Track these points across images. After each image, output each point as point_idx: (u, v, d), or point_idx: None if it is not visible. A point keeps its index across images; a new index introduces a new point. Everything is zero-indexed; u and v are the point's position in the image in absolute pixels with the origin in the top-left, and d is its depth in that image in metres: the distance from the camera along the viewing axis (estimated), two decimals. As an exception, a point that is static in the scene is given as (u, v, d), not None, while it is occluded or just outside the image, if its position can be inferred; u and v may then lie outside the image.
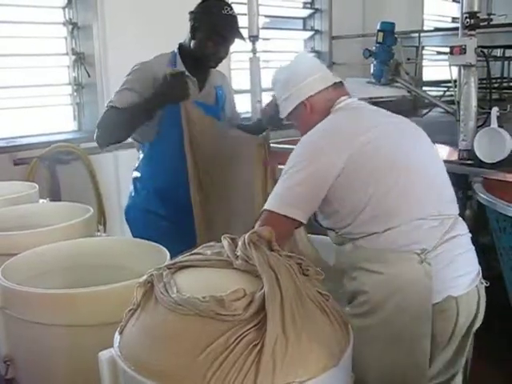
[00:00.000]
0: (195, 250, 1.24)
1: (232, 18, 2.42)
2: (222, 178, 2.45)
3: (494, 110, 3.20)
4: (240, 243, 1.16)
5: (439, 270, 1.68)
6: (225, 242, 1.21)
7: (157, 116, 2.36)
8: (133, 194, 2.61)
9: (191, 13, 2.46)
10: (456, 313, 1.70)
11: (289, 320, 0.99)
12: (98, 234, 2.21)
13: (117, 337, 1.13)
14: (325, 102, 1.90)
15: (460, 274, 1.72)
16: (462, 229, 1.83)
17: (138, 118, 2.32)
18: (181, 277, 1.16)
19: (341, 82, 1.98)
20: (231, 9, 2.43)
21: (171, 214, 2.49)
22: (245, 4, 4.29)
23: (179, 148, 2.34)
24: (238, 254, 1.14)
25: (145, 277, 1.16)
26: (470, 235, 1.87)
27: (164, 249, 1.74)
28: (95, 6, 3.95)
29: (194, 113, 2.37)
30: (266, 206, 1.73)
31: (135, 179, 2.61)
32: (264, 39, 4.90)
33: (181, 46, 2.53)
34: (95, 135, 2.42)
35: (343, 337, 1.08)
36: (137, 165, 2.59)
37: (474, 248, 1.85)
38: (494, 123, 3.19)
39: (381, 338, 1.66)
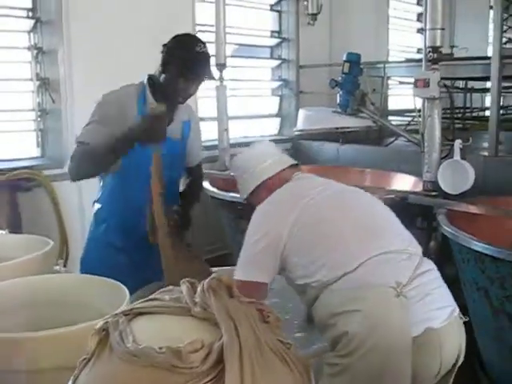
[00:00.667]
0: (153, 296, 1.20)
1: (204, 56, 2.39)
2: None
3: (457, 143, 3.25)
4: (199, 289, 1.13)
5: (416, 303, 1.68)
6: (184, 287, 1.17)
7: None
8: (92, 228, 2.56)
9: (164, 46, 2.41)
10: (439, 346, 1.69)
11: (247, 372, 0.96)
12: (57, 268, 2.14)
13: (70, 387, 1.08)
14: (281, 182, 2.01)
15: (437, 307, 1.72)
16: (431, 265, 1.85)
17: (114, 155, 2.27)
18: (137, 324, 1.12)
19: (297, 164, 2.12)
20: (204, 46, 2.39)
21: (130, 248, 2.44)
22: (212, 32, 4.32)
23: (142, 182, 2.30)
24: (197, 300, 1.11)
25: (100, 324, 1.12)
26: (438, 271, 1.88)
27: (123, 287, 1.69)
28: (61, 30, 3.89)
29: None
30: (234, 276, 1.82)
31: (96, 211, 2.56)
32: (232, 67, 4.91)
33: (150, 78, 2.47)
34: (68, 167, 2.37)
35: (304, 386, 1.05)
36: (98, 196, 2.54)
37: (445, 285, 1.85)
38: (457, 155, 3.24)
39: (362, 374, 1.63)
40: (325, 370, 1.69)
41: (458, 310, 1.79)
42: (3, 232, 2.47)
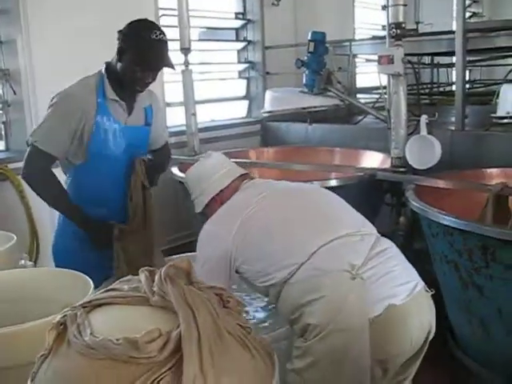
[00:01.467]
0: (112, 286, 1.18)
1: (161, 45, 2.29)
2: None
3: (423, 118, 3.26)
4: (156, 278, 1.12)
5: (374, 282, 1.69)
6: (142, 276, 1.16)
7: (83, 143, 2.29)
8: (59, 220, 2.52)
9: (119, 32, 2.34)
10: (403, 322, 1.69)
11: (207, 359, 0.95)
12: (23, 262, 2.10)
13: (29, 384, 1.06)
14: (232, 193, 2.04)
15: (398, 284, 1.71)
16: (388, 243, 1.87)
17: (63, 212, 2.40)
18: (96, 316, 1.10)
19: (247, 173, 2.15)
20: (161, 33, 2.29)
21: None
22: (176, 16, 4.25)
23: (107, 176, 2.29)
24: (155, 289, 1.10)
25: (58, 318, 1.10)
26: (397, 249, 1.89)
27: (87, 278, 1.67)
28: (18, 19, 3.78)
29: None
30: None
31: None
32: (198, 51, 4.86)
33: (108, 66, 2.40)
34: (22, 173, 2.35)
35: (266, 370, 1.04)
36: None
37: (407, 261, 1.87)
38: (424, 131, 3.25)
39: (323, 356, 1.65)
40: (292, 352, 1.72)
41: (422, 284, 1.79)
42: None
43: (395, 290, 1.70)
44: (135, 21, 2.35)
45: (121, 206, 2.43)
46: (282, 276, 1.75)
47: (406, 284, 1.73)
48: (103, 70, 2.41)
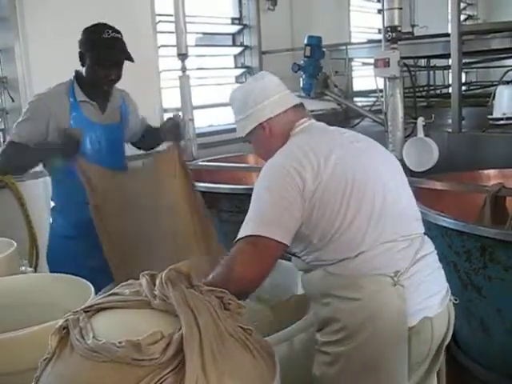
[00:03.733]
0: (113, 290, 1.19)
1: (114, 41, 2.46)
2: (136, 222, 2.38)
3: (420, 120, 3.28)
4: (157, 282, 1.13)
5: (412, 292, 1.64)
6: (143, 281, 1.17)
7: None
8: (52, 225, 2.61)
9: (79, 41, 2.54)
10: (431, 333, 1.68)
11: (209, 360, 0.96)
12: (23, 268, 2.11)
13: (32, 388, 1.07)
14: (284, 124, 1.84)
15: (431, 294, 1.69)
16: (430, 247, 1.82)
17: (33, 160, 2.53)
18: (98, 320, 1.11)
19: (301, 103, 1.92)
20: (113, 31, 2.47)
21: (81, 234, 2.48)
22: (172, 22, 4.27)
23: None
24: (156, 293, 1.11)
25: (60, 322, 1.11)
26: (436, 252, 1.86)
27: (88, 283, 1.68)
28: (16, 26, 3.80)
29: (92, 170, 2.39)
30: (240, 235, 1.61)
31: (52, 208, 2.66)
32: (195, 56, 4.88)
33: (77, 72, 2.60)
34: None
35: (267, 371, 1.05)
36: (51, 193, 2.61)
37: (441, 265, 1.84)
38: (421, 133, 3.27)
39: (356, 364, 1.61)
40: (317, 357, 1.67)
41: (449, 292, 1.78)
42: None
43: (429, 301, 1.68)
44: (89, 26, 2.54)
45: None
46: (325, 258, 1.66)
47: (438, 294, 1.71)
48: (73, 79, 2.61)
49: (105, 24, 2.53)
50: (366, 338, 1.58)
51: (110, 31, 2.46)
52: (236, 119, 1.93)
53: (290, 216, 1.63)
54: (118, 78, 2.53)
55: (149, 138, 2.89)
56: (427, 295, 1.68)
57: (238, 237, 1.60)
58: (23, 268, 2.13)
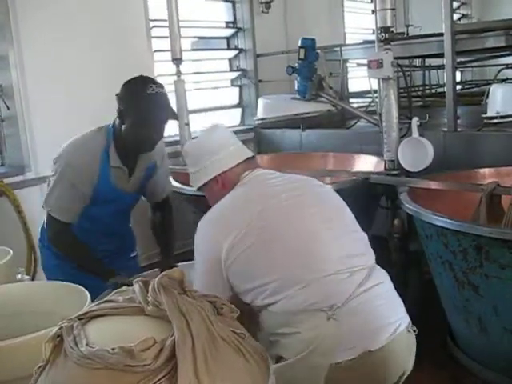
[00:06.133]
0: (107, 297, 1.20)
1: (159, 97, 2.17)
2: None
3: (414, 120, 3.29)
4: (150, 288, 1.14)
5: (353, 325, 1.63)
6: (136, 287, 1.18)
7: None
8: (42, 234, 2.53)
9: (117, 95, 2.23)
10: (382, 365, 1.65)
11: (201, 364, 0.96)
12: (19, 277, 2.12)
13: (27, 396, 1.08)
14: (235, 176, 1.91)
15: (379, 326, 1.67)
16: (381, 277, 1.79)
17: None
18: (91, 327, 1.12)
19: (253, 156, 1.99)
20: (157, 86, 2.17)
21: None
22: (166, 27, 4.28)
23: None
24: (149, 299, 1.11)
25: (54, 330, 1.11)
26: (391, 283, 1.83)
27: (84, 290, 1.69)
28: (10, 34, 3.80)
29: None
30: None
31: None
32: (190, 60, 4.89)
33: (114, 129, 2.29)
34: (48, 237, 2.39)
35: (260, 374, 1.06)
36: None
37: (397, 295, 1.81)
38: (415, 133, 3.28)
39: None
40: None
41: (406, 322, 1.74)
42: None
43: (374, 334, 1.65)
44: (129, 80, 2.24)
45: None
46: (265, 302, 1.68)
47: (387, 326, 1.68)
48: (111, 135, 2.29)
49: (148, 77, 2.24)
50: (296, 368, 1.60)
51: (154, 86, 2.16)
52: (191, 171, 1.99)
53: (219, 278, 1.74)
54: (161, 138, 2.30)
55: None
56: (373, 326, 1.65)
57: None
58: (19, 276, 2.13)
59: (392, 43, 3.29)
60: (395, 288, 1.84)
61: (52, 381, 1.05)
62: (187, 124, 4.24)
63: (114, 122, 2.30)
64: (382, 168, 3.53)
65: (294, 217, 1.80)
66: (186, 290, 1.14)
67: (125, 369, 0.96)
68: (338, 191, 3.27)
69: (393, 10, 3.28)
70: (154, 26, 4.65)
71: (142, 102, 2.14)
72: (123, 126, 2.23)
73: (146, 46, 4.50)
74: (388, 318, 1.70)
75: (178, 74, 4.24)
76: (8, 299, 1.86)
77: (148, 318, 1.11)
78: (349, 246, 1.81)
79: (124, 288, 1.23)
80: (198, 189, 2.00)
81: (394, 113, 3.34)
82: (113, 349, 0.99)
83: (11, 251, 2.14)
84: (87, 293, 1.67)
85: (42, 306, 1.80)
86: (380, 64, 3.21)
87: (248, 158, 1.96)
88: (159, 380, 0.95)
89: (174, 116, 2.33)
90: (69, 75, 3.95)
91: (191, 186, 2.03)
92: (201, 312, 1.05)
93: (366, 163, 4.01)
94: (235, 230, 1.72)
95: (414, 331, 1.76)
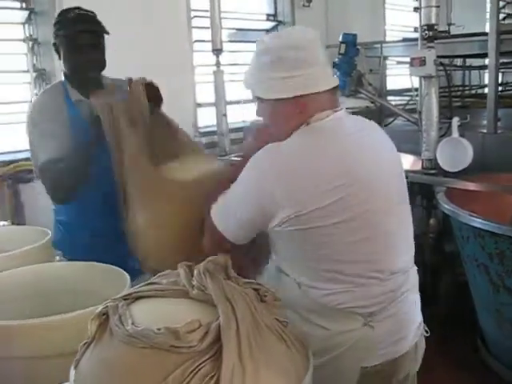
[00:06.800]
0: (151, 280, 1.22)
1: (79, 15, 2.21)
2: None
3: (455, 120, 3.25)
4: (196, 272, 1.15)
5: (385, 331, 1.55)
6: (181, 271, 1.19)
7: None
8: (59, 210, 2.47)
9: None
10: (394, 370, 1.60)
11: (245, 349, 0.97)
12: (58, 258, 2.15)
13: (72, 371, 1.10)
14: (318, 105, 1.51)
15: (402, 336, 1.60)
16: (412, 280, 1.66)
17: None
18: (136, 308, 1.14)
19: (337, 86, 1.60)
20: (80, 10, 2.23)
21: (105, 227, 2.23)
22: (208, 18, 4.30)
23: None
24: (194, 283, 1.13)
25: (100, 308, 1.14)
26: (417, 285, 1.71)
27: (123, 272, 1.71)
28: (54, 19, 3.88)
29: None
30: (212, 216, 1.59)
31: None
32: (229, 52, 4.90)
33: (65, 73, 2.30)
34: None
35: (302, 363, 1.07)
36: None
37: (418, 296, 1.70)
38: (455, 133, 3.24)
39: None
40: None
41: (422, 325, 1.69)
42: (4, 223, 2.48)
43: (397, 345, 1.59)
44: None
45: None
46: (305, 281, 1.52)
47: (409, 333, 1.62)
48: (65, 77, 2.31)
49: (71, 7, 2.27)
50: (323, 364, 1.46)
51: (76, 10, 2.22)
52: (269, 76, 1.53)
53: (253, 226, 1.55)
54: (99, 62, 2.25)
55: None
56: (398, 337, 1.59)
57: (210, 214, 1.60)
58: (58, 258, 2.17)
59: (435, 41, 3.26)
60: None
61: (97, 357, 1.07)
62: (225, 115, 4.26)
63: (63, 71, 2.31)
64: (418, 167, 3.50)
65: (382, 207, 1.53)
66: (231, 276, 1.15)
67: (170, 349, 0.98)
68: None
69: (437, 7, 3.24)
70: (195, 16, 4.68)
71: (64, 24, 2.19)
72: (63, 63, 2.25)
73: (186, 36, 4.53)
74: (413, 323, 1.65)
75: (218, 64, 4.26)
76: (47, 278, 1.90)
77: (192, 301, 1.13)
78: (411, 235, 1.66)
79: (168, 271, 1.24)
80: (260, 100, 1.61)
81: (435, 112, 3.30)
82: (158, 329, 1.01)
83: (50, 232, 2.18)
84: (126, 274, 1.69)
85: (80, 285, 1.84)
86: (423, 62, 3.18)
87: (335, 88, 1.58)
88: (203, 362, 0.97)
89: (104, 30, 2.27)
90: (109, 62, 4.00)
91: (247, 86, 1.66)
92: (245, 298, 1.06)
93: (403, 161, 3.97)
94: (312, 200, 1.42)
95: (426, 332, 1.71)
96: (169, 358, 0.98)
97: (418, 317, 1.68)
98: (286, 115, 1.53)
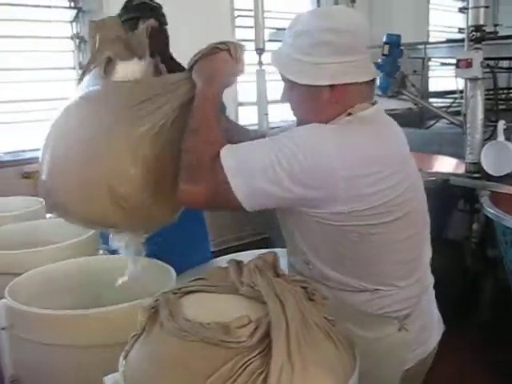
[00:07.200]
0: (200, 275, 1.24)
1: (143, 5, 2.29)
2: None
3: (501, 124, 3.19)
4: (245, 269, 1.17)
5: (417, 332, 1.50)
6: (230, 267, 1.21)
7: None
8: None
9: None
10: (424, 369, 1.59)
11: (294, 347, 0.98)
12: (101, 252, 2.19)
13: (121, 361, 1.13)
14: (355, 97, 1.41)
15: (429, 333, 1.57)
16: (432, 278, 1.61)
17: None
18: (186, 302, 1.16)
19: (374, 79, 1.49)
20: None
21: None
22: (251, 17, 4.32)
23: None
24: (244, 280, 1.14)
25: (150, 301, 1.16)
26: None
27: (170, 268, 1.74)
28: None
29: None
30: (225, 169, 1.30)
31: None
32: (272, 51, 4.91)
33: None
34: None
35: (349, 362, 1.07)
36: None
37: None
38: (501, 136, 3.18)
39: None
40: None
41: (441, 320, 1.65)
42: (51, 216, 2.54)
43: (428, 342, 1.56)
44: None
45: None
46: (344, 281, 1.42)
47: (435, 330, 1.59)
48: None
49: None
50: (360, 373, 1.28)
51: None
52: (293, 55, 1.40)
53: (281, 202, 1.34)
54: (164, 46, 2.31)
55: None
56: (426, 334, 1.55)
57: (224, 165, 1.31)
58: (101, 252, 2.21)
59: (482, 43, 3.21)
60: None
61: (147, 349, 1.10)
62: (266, 114, 4.28)
63: None
64: (460, 170, 3.45)
65: (420, 206, 1.49)
66: (280, 274, 1.16)
67: (220, 344, 0.99)
68: (416, 191, 3.29)
69: (486, 7, 3.19)
70: (239, 16, 4.70)
71: (127, 9, 2.25)
72: None
73: (229, 35, 4.56)
74: (436, 316, 1.62)
75: (260, 63, 4.28)
76: (93, 271, 1.95)
77: (241, 297, 1.14)
78: (428, 231, 1.57)
79: (216, 267, 1.26)
80: (289, 82, 1.46)
81: (480, 114, 3.25)
82: (208, 323, 1.02)
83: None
84: (173, 270, 1.72)
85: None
86: (469, 64, 3.13)
87: (374, 80, 1.47)
88: (252, 358, 0.98)
89: (161, 18, 2.33)
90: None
91: (274, 64, 1.51)
92: (295, 295, 1.06)
93: (445, 164, 3.93)
94: (372, 197, 1.32)
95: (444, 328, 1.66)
96: (218, 352, 0.99)
97: (436, 310, 1.63)
98: (320, 104, 1.40)
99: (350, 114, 1.40)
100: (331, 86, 1.39)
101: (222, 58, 1.47)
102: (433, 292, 1.61)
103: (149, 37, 1.72)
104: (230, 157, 1.31)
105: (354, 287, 1.42)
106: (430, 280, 1.58)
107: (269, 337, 0.99)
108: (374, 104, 1.46)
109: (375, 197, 1.32)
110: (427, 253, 1.56)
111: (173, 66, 1.96)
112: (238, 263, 1.21)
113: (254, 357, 0.98)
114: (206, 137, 1.35)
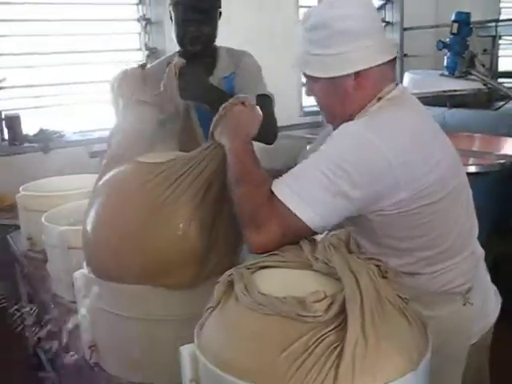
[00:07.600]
0: (273, 251, 1.26)
1: None
2: None
3: None
4: (320, 246, 1.18)
5: (480, 305, 1.52)
6: (304, 244, 1.23)
7: None
8: None
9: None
10: (487, 343, 1.60)
11: (369, 323, 0.99)
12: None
13: (197, 333, 1.16)
14: (378, 79, 1.41)
15: (489, 305, 1.59)
16: (482, 250, 1.62)
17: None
18: (260, 277, 1.18)
19: (395, 58, 1.48)
20: None
21: None
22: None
23: None
24: (318, 256, 1.16)
25: (225, 276, 1.19)
26: None
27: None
28: (165, 1, 4.01)
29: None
30: (284, 201, 1.32)
31: None
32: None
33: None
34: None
35: (422, 341, 1.07)
36: None
37: None
38: None
39: None
40: None
41: (497, 292, 1.65)
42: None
43: (490, 313, 1.58)
44: None
45: None
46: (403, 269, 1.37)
47: (494, 303, 1.61)
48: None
49: None
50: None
51: None
52: (312, 51, 1.41)
53: (346, 212, 1.37)
54: (205, 35, 2.21)
55: None
56: (487, 306, 1.56)
57: (274, 188, 1.34)
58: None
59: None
60: None
61: (222, 322, 1.13)
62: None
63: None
64: (532, 152, 3.35)
65: (463, 178, 1.52)
66: (352, 251, 1.17)
67: (296, 318, 1.01)
68: (484, 174, 3.20)
69: None
70: (301, 6, 4.74)
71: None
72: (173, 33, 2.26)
73: (293, 30, 4.56)
74: (494, 293, 1.63)
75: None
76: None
77: (315, 273, 1.16)
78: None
79: (289, 246, 1.28)
80: (311, 77, 1.46)
81: (554, 95, 3.14)
82: (284, 298, 1.05)
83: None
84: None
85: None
86: (544, 41, 3.01)
87: (393, 60, 1.47)
88: (328, 332, 1.00)
89: (205, 5, 2.21)
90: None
91: (297, 65, 1.49)
92: (369, 272, 1.07)
93: (515, 146, 3.82)
94: (426, 177, 1.35)
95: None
96: (294, 326, 1.01)
97: (491, 283, 1.65)
98: (346, 94, 1.42)
99: (379, 99, 1.42)
100: (355, 74, 1.39)
101: (236, 110, 1.49)
102: (485, 264, 1.62)
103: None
104: (284, 188, 1.33)
105: (413, 272, 1.45)
106: (481, 251, 1.60)
107: (343, 312, 1.01)
108: (397, 85, 1.47)
109: (430, 175, 1.36)
110: (475, 224, 1.57)
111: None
112: (311, 241, 1.23)
113: (330, 331, 1.00)
114: (252, 181, 1.35)
